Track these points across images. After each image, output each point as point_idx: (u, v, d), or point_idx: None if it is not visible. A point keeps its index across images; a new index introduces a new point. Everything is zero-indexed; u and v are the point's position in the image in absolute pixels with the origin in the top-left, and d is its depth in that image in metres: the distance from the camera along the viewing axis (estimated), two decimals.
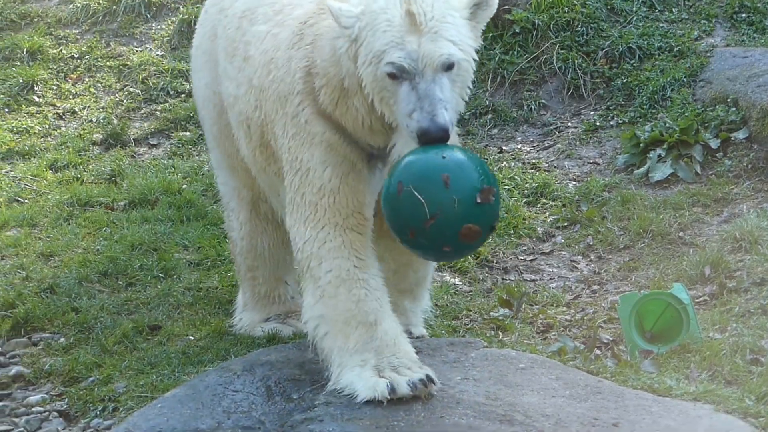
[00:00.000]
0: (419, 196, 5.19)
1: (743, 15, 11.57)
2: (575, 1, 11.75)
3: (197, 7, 10.15)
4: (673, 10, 11.66)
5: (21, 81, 9.92)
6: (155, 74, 10.07)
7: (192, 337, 7.50)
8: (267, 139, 6.02)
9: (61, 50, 10.35)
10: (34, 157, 9.29)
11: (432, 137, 5.11)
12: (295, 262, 6.09)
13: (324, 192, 5.67)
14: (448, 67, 5.16)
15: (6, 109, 9.79)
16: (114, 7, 10.51)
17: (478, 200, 5.28)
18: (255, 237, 6.63)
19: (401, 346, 5.68)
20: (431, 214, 5.22)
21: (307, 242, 5.76)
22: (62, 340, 7.63)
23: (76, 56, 10.30)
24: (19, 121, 9.65)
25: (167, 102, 9.87)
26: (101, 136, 9.56)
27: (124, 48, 10.33)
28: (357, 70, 5.40)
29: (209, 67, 6.44)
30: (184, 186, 8.95)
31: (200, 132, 9.55)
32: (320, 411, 5.98)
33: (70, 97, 10.01)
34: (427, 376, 5.61)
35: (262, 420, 6.07)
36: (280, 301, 6.88)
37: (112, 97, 9.98)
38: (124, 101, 9.94)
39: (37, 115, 9.80)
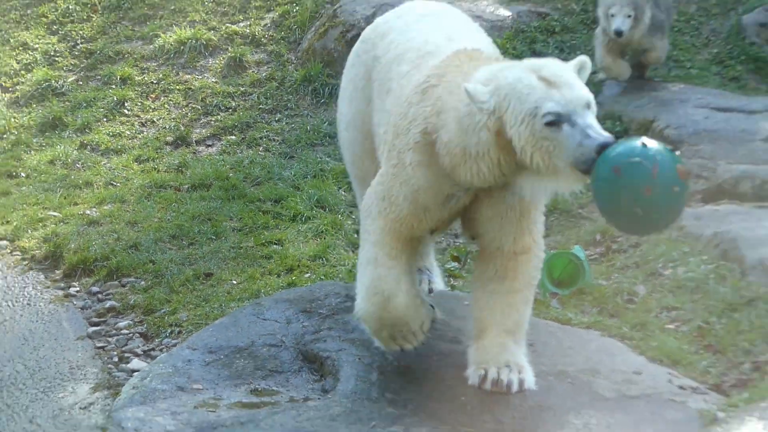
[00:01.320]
0: (643, 159, 4.61)
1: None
2: None
3: (241, 48, 10.34)
4: (577, 52, 9.91)
5: (115, 99, 9.82)
6: (211, 95, 9.97)
7: (234, 282, 7.60)
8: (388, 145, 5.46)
9: (144, 77, 10.18)
10: (124, 153, 9.21)
11: (609, 145, 4.53)
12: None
13: (395, 213, 5.20)
14: (589, 106, 4.68)
15: (105, 119, 9.72)
16: (182, 47, 10.38)
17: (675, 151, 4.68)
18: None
19: (409, 316, 5.40)
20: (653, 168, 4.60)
21: (364, 231, 5.43)
22: (142, 282, 7.74)
23: (154, 81, 10.16)
24: (114, 127, 9.56)
25: (219, 115, 9.76)
26: (172, 138, 9.46)
27: (189, 76, 10.20)
28: (507, 133, 4.74)
29: (361, 99, 5.88)
30: (231, 174, 8.80)
31: (243, 135, 9.47)
32: (324, 334, 6.09)
33: (150, 110, 9.88)
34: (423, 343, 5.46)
35: (283, 340, 6.09)
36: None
37: (180, 111, 9.89)
38: (189, 114, 9.84)
39: (127, 123, 9.68)
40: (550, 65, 4.82)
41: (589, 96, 4.70)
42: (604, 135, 4.54)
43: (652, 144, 4.63)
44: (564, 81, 4.76)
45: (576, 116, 4.60)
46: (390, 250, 5.31)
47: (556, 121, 4.57)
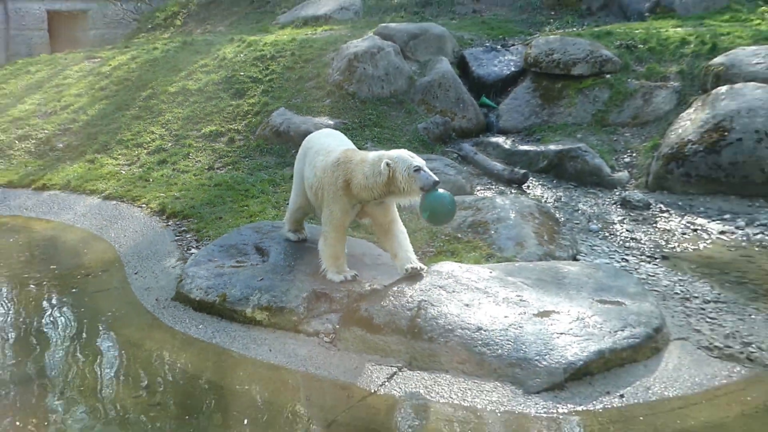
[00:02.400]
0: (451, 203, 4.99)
1: None
2: None
3: (233, 134, 10.49)
4: (357, 137, 9.90)
5: (187, 153, 9.97)
6: (222, 152, 9.92)
7: (230, 220, 7.67)
8: (317, 193, 5.53)
9: (197, 144, 10.26)
10: (189, 173, 9.60)
11: (437, 185, 4.90)
12: (321, 237, 5.55)
13: (335, 219, 5.33)
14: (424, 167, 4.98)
15: (182, 160, 9.77)
16: (211, 134, 10.29)
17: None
18: (294, 213, 6.21)
19: (345, 266, 5.49)
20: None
21: (328, 232, 5.39)
22: (195, 221, 7.92)
23: (200, 146, 10.18)
24: (186, 163, 9.70)
25: (225, 159, 9.70)
26: (207, 167, 9.65)
27: (214, 144, 10.07)
28: (393, 178, 4.99)
29: (300, 162, 6.00)
30: (228, 180, 8.98)
31: (233, 167, 9.65)
32: (264, 239, 6.41)
33: (200, 157, 9.88)
34: (355, 274, 5.51)
35: (248, 242, 6.42)
36: (298, 228, 6.36)
37: (210, 157, 9.78)
38: (214, 158, 9.82)
39: (192, 161, 9.82)
40: (408, 151, 5.16)
41: (424, 163, 5.02)
42: (436, 178, 4.92)
43: (445, 192, 5.01)
44: (416, 156, 5.07)
45: (424, 169, 4.95)
46: (339, 238, 5.40)
47: (417, 169, 4.91)
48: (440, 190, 4.97)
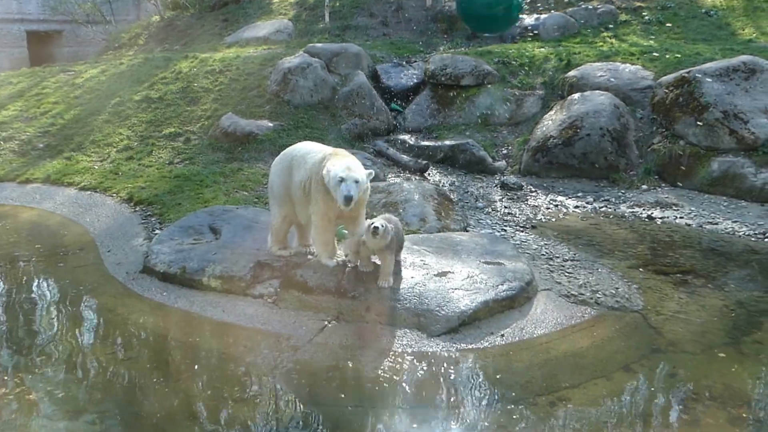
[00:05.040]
0: None
1: None
2: None
3: (190, 134, 10.23)
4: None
5: (150, 150, 9.37)
6: (180, 149, 9.47)
7: (187, 205, 7.46)
8: (306, 189, 4.79)
9: (156, 143, 9.65)
10: (153, 167, 9.21)
11: (350, 200, 4.39)
12: (312, 227, 4.98)
13: (320, 209, 4.67)
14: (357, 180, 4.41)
15: (147, 156, 9.22)
16: (171, 134, 9.67)
17: None
18: (281, 227, 5.25)
19: (336, 251, 5.00)
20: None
21: (316, 222, 4.77)
22: (159, 206, 7.64)
23: (161, 144, 9.58)
24: (151, 158, 9.22)
25: (183, 155, 9.27)
26: (169, 162, 9.25)
27: (173, 143, 9.58)
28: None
29: (284, 173, 5.07)
30: (186, 172, 8.67)
31: (191, 161, 9.37)
32: (217, 220, 6.19)
33: (161, 153, 9.40)
34: (345, 260, 4.98)
35: (203, 223, 6.18)
36: (285, 244, 5.39)
37: (171, 154, 9.34)
38: (174, 154, 9.37)
39: (155, 158, 9.35)
40: (349, 164, 4.51)
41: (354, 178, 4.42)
42: (352, 194, 4.35)
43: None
44: (355, 170, 4.48)
45: (346, 181, 4.40)
46: (329, 227, 4.79)
47: (341, 181, 4.39)
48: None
